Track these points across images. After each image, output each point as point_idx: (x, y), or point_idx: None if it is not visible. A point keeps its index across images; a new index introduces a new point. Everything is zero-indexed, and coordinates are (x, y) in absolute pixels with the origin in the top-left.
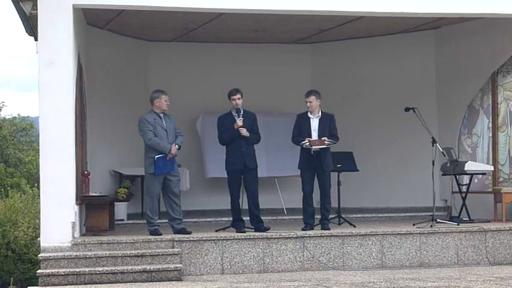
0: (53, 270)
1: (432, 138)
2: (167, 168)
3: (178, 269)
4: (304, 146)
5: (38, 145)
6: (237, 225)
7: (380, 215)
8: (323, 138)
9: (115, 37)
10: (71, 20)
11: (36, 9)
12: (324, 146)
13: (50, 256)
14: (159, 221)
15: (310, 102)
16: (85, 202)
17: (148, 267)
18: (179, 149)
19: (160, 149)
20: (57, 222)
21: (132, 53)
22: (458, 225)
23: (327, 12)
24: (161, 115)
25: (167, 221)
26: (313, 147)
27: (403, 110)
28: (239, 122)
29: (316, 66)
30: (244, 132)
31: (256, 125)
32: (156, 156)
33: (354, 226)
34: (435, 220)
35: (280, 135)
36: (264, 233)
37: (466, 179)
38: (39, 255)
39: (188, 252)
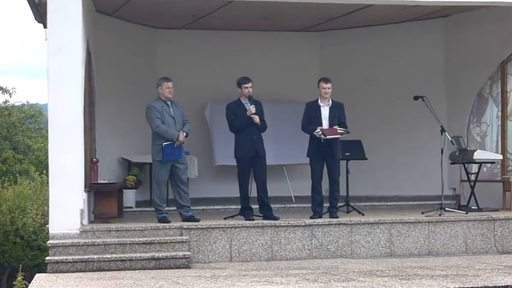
0: (61, 257)
1: (441, 126)
2: (175, 156)
3: (187, 256)
4: (317, 136)
5: (46, 132)
6: (246, 213)
7: (389, 204)
8: (334, 127)
9: (124, 24)
10: (80, 7)
11: None
12: (338, 136)
13: (58, 243)
14: (168, 208)
15: (328, 88)
16: (94, 189)
17: (156, 254)
18: (186, 136)
19: (168, 137)
20: (66, 209)
21: (141, 40)
22: (466, 213)
23: (336, 0)
24: (169, 103)
25: (175, 208)
26: (328, 136)
27: (412, 99)
28: (252, 109)
29: (325, 54)
30: (257, 119)
31: (262, 113)
32: (164, 144)
33: (363, 214)
34: (444, 209)
35: (289, 123)
36: (273, 221)
37: (474, 168)
38: (48, 242)
39: (196, 240)
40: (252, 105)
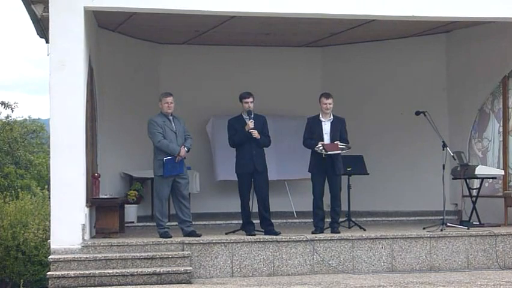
0: (63, 272)
1: (443, 142)
2: (176, 171)
3: (188, 271)
4: (319, 151)
5: (48, 147)
6: (247, 228)
7: (390, 219)
8: (336, 142)
9: (126, 40)
10: (82, 22)
11: (48, 12)
12: (339, 152)
13: (60, 258)
14: (169, 223)
15: (329, 104)
16: (95, 204)
17: (158, 269)
18: (188, 151)
19: (169, 151)
20: (68, 224)
21: (143, 55)
22: (468, 229)
23: (337, 16)
24: (171, 117)
25: (177, 223)
26: (329, 152)
27: (414, 114)
28: (250, 124)
29: (327, 69)
30: (255, 134)
31: (266, 128)
32: (165, 158)
33: (364, 229)
34: (446, 224)
35: (291, 138)
36: (274, 236)
37: (476, 183)
38: (49, 257)
39: (198, 255)
40: (251, 121)
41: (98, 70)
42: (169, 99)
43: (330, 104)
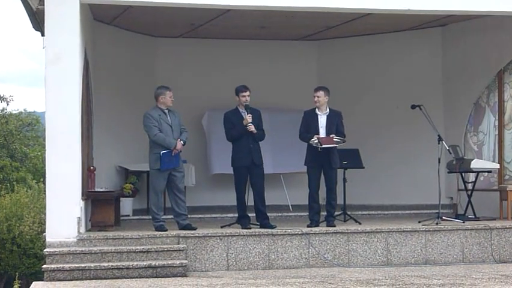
0: (58, 265)
1: (439, 135)
2: (173, 164)
3: (184, 264)
4: (314, 144)
5: (44, 140)
6: (243, 221)
7: (386, 212)
8: (331, 136)
9: (122, 33)
10: (77, 15)
11: (43, 4)
12: (334, 145)
13: (55, 251)
14: (165, 216)
15: (318, 97)
16: (91, 197)
17: (153, 263)
18: (184, 144)
19: (165, 145)
20: (63, 217)
21: (138, 48)
22: (463, 222)
23: (333, 9)
24: (166, 111)
25: (172, 216)
26: (323, 145)
27: (409, 107)
28: (248, 118)
29: (323, 63)
30: (252, 128)
31: (261, 121)
32: (161, 152)
33: (360, 223)
34: (441, 218)
35: (287, 131)
36: (270, 230)
37: (471, 177)
38: (45, 250)
39: (193, 248)
40: (249, 115)
41: (94, 63)
42: (171, 93)
43: (319, 96)
